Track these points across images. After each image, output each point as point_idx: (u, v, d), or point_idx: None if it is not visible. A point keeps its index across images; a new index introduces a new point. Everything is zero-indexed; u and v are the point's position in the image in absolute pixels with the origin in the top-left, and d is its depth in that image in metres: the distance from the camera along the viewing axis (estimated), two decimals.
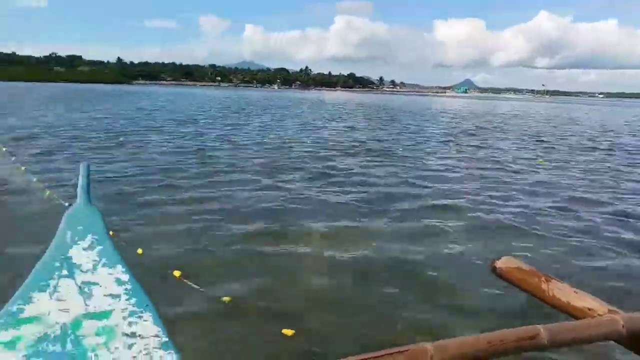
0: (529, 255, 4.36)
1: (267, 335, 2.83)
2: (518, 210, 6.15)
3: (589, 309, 1.68)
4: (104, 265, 1.70)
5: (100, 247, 1.81)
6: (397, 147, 12.72)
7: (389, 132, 17.31)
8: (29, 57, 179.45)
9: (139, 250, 3.96)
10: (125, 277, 1.64)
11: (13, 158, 5.91)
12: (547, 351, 1.30)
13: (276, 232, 4.87)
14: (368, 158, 10.38)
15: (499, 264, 1.96)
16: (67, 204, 2.14)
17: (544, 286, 1.82)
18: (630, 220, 5.87)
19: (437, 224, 5.34)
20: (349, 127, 18.89)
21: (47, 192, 5.25)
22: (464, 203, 6.39)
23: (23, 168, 5.94)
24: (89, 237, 1.87)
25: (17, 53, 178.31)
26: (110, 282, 1.61)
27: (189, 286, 3.37)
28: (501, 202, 6.45)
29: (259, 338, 2.85)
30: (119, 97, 42.02)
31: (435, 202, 6.43)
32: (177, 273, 3.53)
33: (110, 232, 4.31)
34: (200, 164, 8.82)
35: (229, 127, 16.88)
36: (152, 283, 2.81)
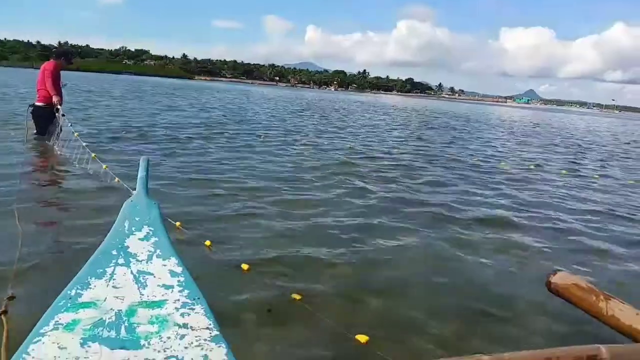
0: (589, 271, 4.14)
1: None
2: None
3: None
4: (158, 256, 1.76)
5: (155, 239, 1.88)
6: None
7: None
8: (102, 50, 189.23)
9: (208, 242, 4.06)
10: (178, 269, 1.69)
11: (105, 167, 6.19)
12: None
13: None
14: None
15: (555, 279, 1.88)
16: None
17: (602, 305, 1.73)
18: None
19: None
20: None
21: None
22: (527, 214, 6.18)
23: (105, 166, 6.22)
24: (145, 228, 1.94)
25: (90, 46, 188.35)
26: (164, 272, 1.66)
27: None
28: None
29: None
30: (193, 90, 43.36)
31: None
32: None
33: (177, 223, 4.40)
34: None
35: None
36: None
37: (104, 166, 5.94)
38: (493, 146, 15.66)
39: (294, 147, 11.32)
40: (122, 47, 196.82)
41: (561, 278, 1.73)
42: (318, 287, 3.44)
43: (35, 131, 8.42)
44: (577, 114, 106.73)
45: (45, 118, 8.32)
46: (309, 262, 3.94)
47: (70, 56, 9.29)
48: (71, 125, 7.92)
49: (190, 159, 8.27)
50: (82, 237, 3.88)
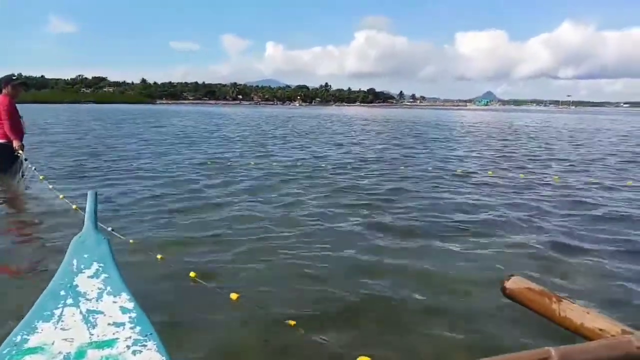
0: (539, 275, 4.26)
1: None
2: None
3: (601, 330, 1.64)
4: (108, 293, 1.72)
5: (105, 275, 1.83)
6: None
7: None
8: (57, 80, 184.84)
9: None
10: (129, 305, 1.65)
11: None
12: None
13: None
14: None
15: (509, 284, 1.93)
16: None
17: (554, 307, 1.79)
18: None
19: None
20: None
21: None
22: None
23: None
24: (95, 265, 1.88)
25: (45, 76, 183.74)
26: (115, 310, 1.62)
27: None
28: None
29: None
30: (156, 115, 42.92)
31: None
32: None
33: (159, 256, 4.38)
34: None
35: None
36: None
37: (73, 207, 5.75)
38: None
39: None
40: (79, 76, 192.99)
41: (515, 282, 1.78)
42: (311, 310, 3.44)
43: None
44: (535, 112, 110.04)
45: (6, 156, 7.77)
46: (297, 285, 3.93)
47: (13, 80, 7.99)
48: (35, 169, 7.62)
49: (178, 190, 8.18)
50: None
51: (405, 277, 4.14)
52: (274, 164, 11.47)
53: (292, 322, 3.08)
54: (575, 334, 1.68)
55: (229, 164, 11.27)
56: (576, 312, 1.72)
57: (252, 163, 11.43)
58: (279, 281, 3.97)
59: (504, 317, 3.30)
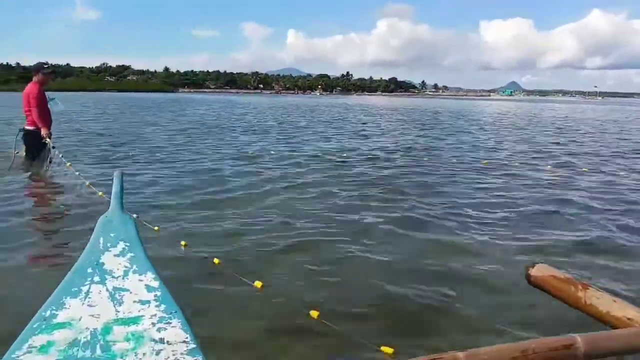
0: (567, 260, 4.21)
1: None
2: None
3: (629, 319, 1.62)
4: (134, 271, 1.75)
5: (131, 254, 1.86)
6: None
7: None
8: (82, 68, 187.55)
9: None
10: (155, 284, 1.69)
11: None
12: None
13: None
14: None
15: (534, 271, 1.92)
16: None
17: (580, 294, 1.77)
18: None
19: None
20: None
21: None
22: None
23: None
24: (121, 244, 1.92)
25: (70, 64, 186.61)
26: (140, 288, 1.66)
27: None
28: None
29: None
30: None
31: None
32: None
33: (183, 242, 4.48)
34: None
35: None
36: None
37: (99, 193, 5.81)
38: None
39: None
40: (104, 64, 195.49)
41: (539, 270, 1.78)
42: (334, 301, 3.45)
43: (25, 156, 8.22)
44: (561, 103, 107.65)
45: (36, 143, 8.03)
46: (320, 276, 3.95)
47: (44, 69, 8.31)
48: (62, 156, 7.76)
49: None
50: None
51: (428, 271, 4.13)
52: (299, 154, 11.49)
53: (315, 313, 3.09)
54: (601, 322, 1.67)
55: (254, 154, 11.32)
56: (603, 300, 1.70)
57: (277, 154, 11.46)
58: (302, 272, 4.00)
59: (528, 306, 3.27)
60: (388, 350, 2.65)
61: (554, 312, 2.64)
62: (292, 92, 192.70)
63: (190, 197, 6.48)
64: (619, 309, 1.60)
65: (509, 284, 3.70)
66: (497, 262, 4.31)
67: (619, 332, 1.45)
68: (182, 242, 4.30)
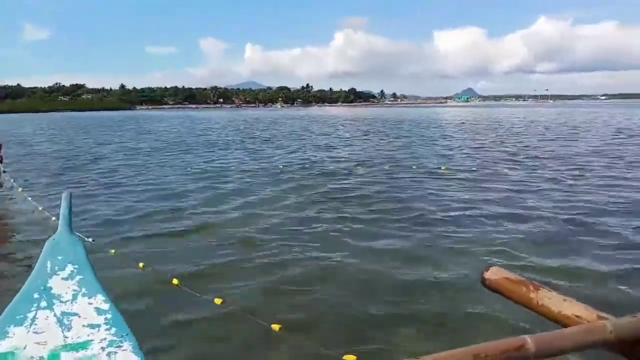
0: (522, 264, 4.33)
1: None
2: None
3: (578, 317, 1.68)
4: (83, 295, 1.69)
5: (80, 277, 1.79)
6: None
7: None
8: (34, 89, 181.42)
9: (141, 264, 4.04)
10: (105, 307, 1.63)
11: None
12: None
13: None
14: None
15: (488, 274, 1.97)
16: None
17: (532, 295, 1.82)
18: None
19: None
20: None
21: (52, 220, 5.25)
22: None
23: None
24: (69, 267, 1.85)
25: (21, 85, 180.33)
26: (90, 312, 1.60)
27: None
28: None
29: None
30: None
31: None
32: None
33: (141, 264, 4.36)
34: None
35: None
36: None
37: (52, 218, 5.63)
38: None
39: None
40: (57, 84, 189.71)
41: (494, 273, 1.80)
42: (295, 313, 3.47)
43: None
44: (515, 107, 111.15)
45: None
46: (280, 289, 3.96)
47: None
48: (13, 181, 7.53)
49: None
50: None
51: (387, 279, 4.19)
52: (258, 168, 11.43)
53: (278, 326, 3.08)
54: (553, 321, 1.73)
55: (213, 170, 11.20)
56: (554, 300, 1.75)
57: (237, 168, 11.37)
58: (263, 287, 4.00)
59: (485, 309, 3.35)
60: (351, 358, 2.67)
61: (511, 313, 2.71)
62: (252, 105, 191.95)
63: (148, 218, 6.40)
64: (569, 308, 1.65)
65: (465, 288, 3.78)
66: (454, 266, 4.40)
67: (567, 331, 1.49)
68: (140, 264, 4.24)
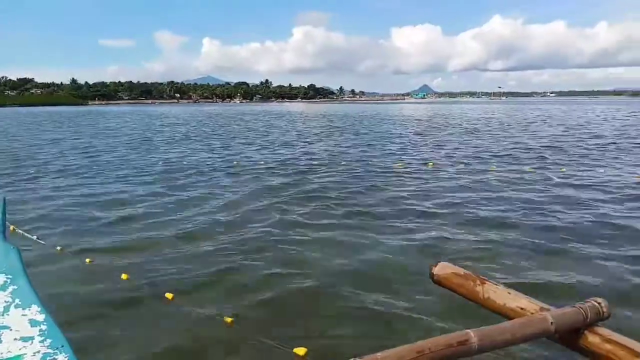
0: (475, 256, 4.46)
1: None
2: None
3: (522, 309, 1.73)
4: (17, 306, 1.62)
5: (13, 287, 1.72)
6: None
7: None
8: None
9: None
10: (40, 318, 1.57)
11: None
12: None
13: None
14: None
15: (436, 270, 2.00)
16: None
17: (478, 289, 1.87)
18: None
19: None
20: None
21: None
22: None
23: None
24: (2, 277, 1.77)
25: None
26: (23, 324, 1.53)
27: None
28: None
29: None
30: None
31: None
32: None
33: (88, 260, 4.22)
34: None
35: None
36: None
37: (11, 227, 5.36)
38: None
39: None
40: (3, 77, 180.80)
41: (442, 268, 1.85)
42: (246, 307, 3.46)
43: None
44: (469, 104, 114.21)
45: None
46: (232, 283, 3.93)
47: None
48: None
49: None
50: None
51: (338, 274, 4.23)
52: (212, 164, 11.29)
53: (229, 319, 3.09)
54: (498, 314, 1.77)
55: (166, 167, 10.98)
56: (499, 293, 1.80)
57: (189, 164, 11.21)
58: (213, 281, 3.98)
59: (432, 303, 3.42)
60: (300, 351, 2.72)
61: (459, 307, 2.77)
62: (210, 100, 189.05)
63: (97, 214, 6.24)
64: (513, 300, 1.70)
65: (414, 282, 3.86)
66: (405, 262, 4.48)
67: (509, 324, 1.53)
68: (87, 259, 4.15)
